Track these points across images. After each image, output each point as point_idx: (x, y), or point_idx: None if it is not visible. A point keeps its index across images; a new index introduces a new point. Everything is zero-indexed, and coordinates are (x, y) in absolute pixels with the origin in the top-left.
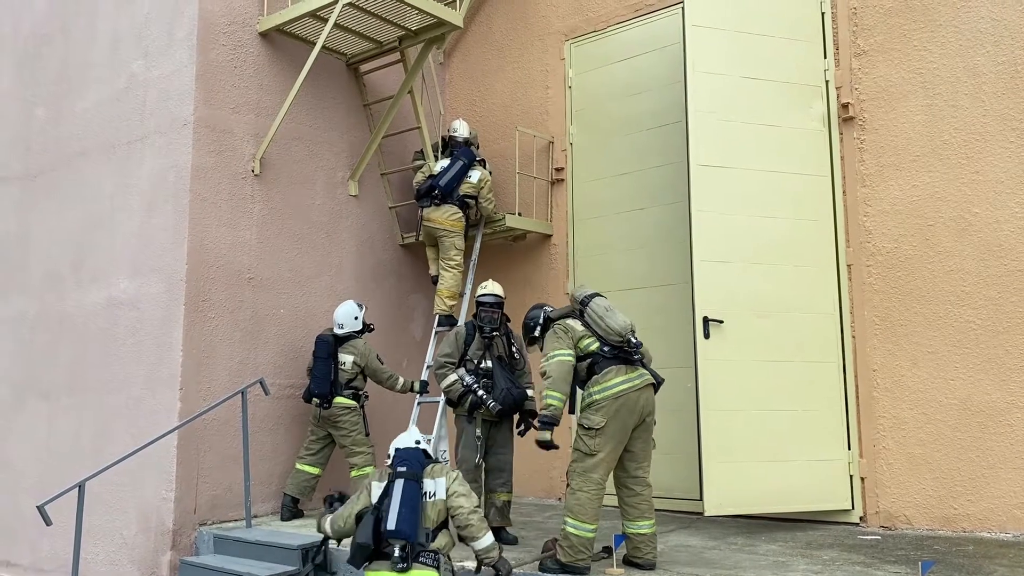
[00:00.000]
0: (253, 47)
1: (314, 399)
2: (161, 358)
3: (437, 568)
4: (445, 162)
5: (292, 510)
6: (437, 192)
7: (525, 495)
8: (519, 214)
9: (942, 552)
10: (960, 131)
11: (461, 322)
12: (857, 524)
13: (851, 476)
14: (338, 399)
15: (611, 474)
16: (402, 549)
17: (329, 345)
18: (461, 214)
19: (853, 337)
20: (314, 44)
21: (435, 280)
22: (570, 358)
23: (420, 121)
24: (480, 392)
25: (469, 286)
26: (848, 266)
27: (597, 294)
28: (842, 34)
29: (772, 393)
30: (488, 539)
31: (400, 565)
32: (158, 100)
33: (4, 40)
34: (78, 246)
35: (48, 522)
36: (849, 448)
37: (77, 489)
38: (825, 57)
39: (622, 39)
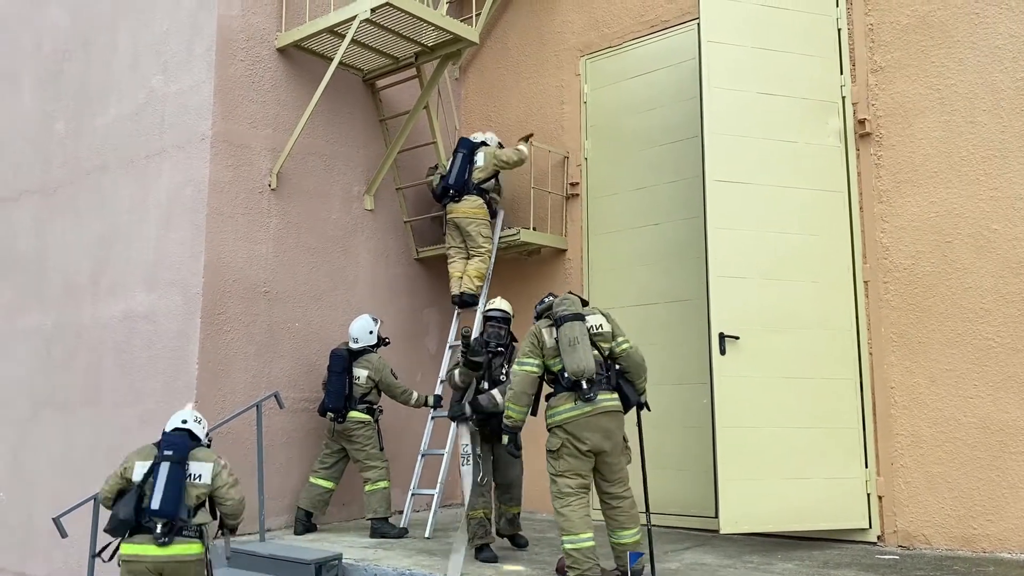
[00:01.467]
0: (271, 63)
1: (328, 413)
2: (177, 371)
3: (201, 539)
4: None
5: (306, 524)
6: (452, 191)
7: (539, 511)
8: (534, 229)
9: (962, 573)
10: (978, 147)
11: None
12: (875, 543)
13: (868, 494)
14: (352, 413)
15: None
16: (164, 526)
17: (344, 360)
18: (482, 201)
19: (870, 354)
20: (331, 60)
21: (456, 299)
22: (535, 369)
23: (436, 136)
24: (464, 402)
25: (484, 299)
26: (865, 282)
27: (575, 316)
28: (858, 50)
29: (789, 410)
30: (242, 517)
31: (162, 540)
32: (176, 115)
33: (26, 56)
34: (96, 259)
35: (63, 534)
36: (866, 466)
37: (92, 501)
38: (841, 73)
39: (637, 55)
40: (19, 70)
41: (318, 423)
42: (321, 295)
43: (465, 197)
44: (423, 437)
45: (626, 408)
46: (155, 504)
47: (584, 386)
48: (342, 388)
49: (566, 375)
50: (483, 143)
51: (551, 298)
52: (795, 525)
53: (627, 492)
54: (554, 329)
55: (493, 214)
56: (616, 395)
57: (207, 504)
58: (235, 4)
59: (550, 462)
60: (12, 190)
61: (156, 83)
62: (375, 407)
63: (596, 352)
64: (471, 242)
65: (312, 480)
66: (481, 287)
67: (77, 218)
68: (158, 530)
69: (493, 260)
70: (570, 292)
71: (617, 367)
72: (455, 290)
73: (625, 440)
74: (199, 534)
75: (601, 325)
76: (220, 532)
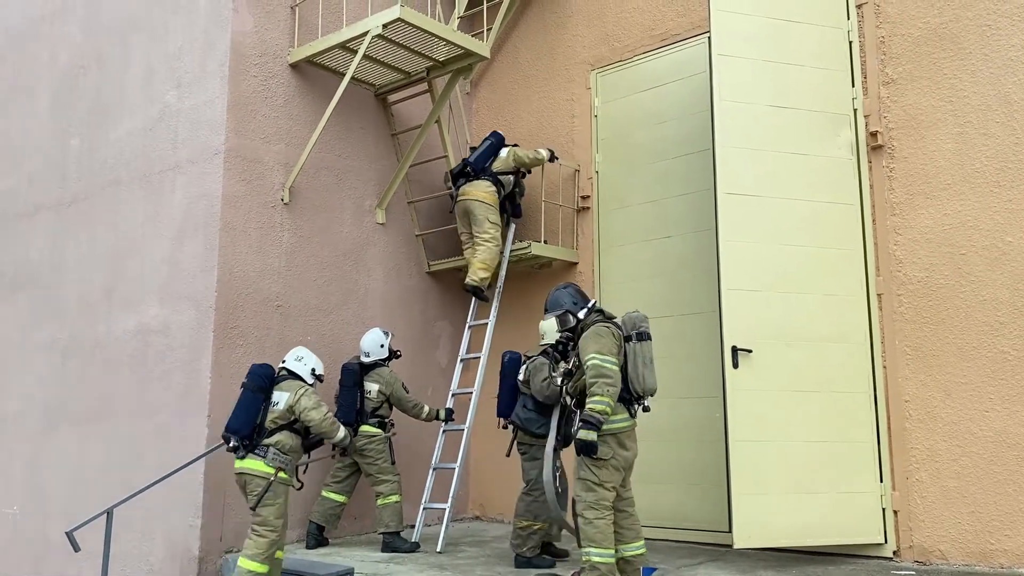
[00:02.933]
0: (283, 78)
1: (226, 437)
2: (190, 385)
3: (264, 458)
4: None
5: (317, 538)
6: (469, 168)
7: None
8: (545, 242)
9: None
10: (992, 159)
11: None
12: (891, 559)
13: (884, 509)
14: (364, 427)
15: None
16: (239, 441)
17: (355, 374)
18: (495, 188)
19: (884, 367)
20: (343, 75)
21: (469, 288)
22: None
23: (447, 150)
24: None
25: (493, 316)
26: (879, 295)
27: (644, 335)
28: (870, 63)
29: (802, 424)
30: (340, 434)
31: (240, 454)
32: (190, 130)
33: (42, 71)
34: (110, 273)
35: (76, 548)
36: (881, 480)
37: (105, 515)
38: (853, 85)
39: (648, 68)
40: (35, 85)
41: None
42: (333, 308)
43: (479, 180)
44: (435, 451)
45: None
46: (229, 423)
47: (646, 403)
48: (354, 402)
49: (633, 387)
50: (513, 145)
51: (568, 288)
52: (809, 540)
53: (630, 516)
54: (624, 341)
55: (504, 211)
56: None
57: (293, 430)
58: (248, 20)
59: (593, 471)
60: (28, 204)
61: (170, 98)
62: (387, 421)
63: None
64: (477, 227)
65: (324, 494)
66: (487, 279)
67: (92, 232)
68: (230, 444)
69: (507, 247)
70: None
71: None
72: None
73: None
74: (265, 454)
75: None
76: (332, 454)
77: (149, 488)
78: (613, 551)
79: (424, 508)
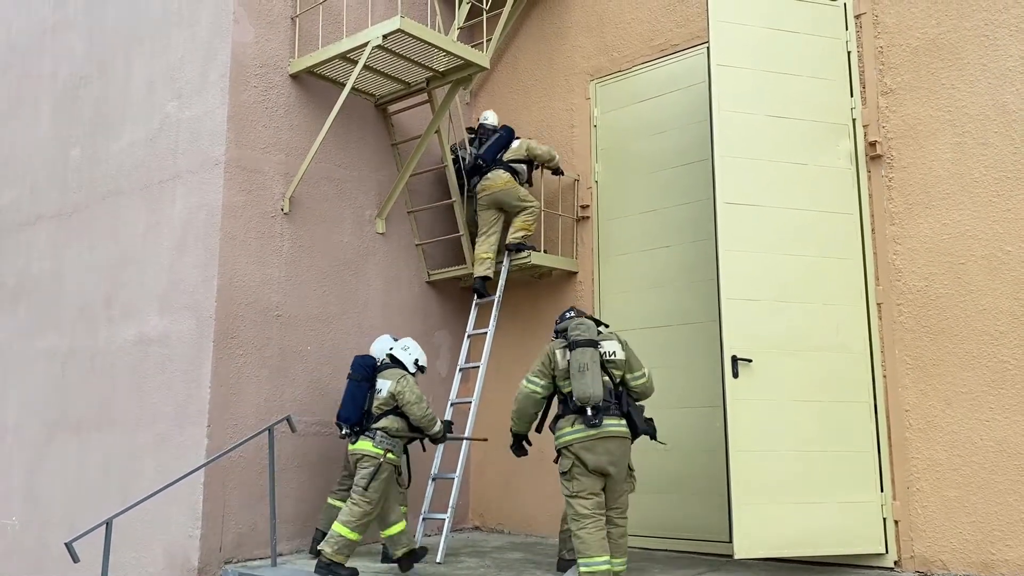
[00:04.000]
0: (284, 88)
1: (341, 427)
2: (189, 395)
3: (373, 440)
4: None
5: None
6: (481, 161)
7: (552, 535)
8: (545, 251)
9: None
10: (991, 168)
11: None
12: (892, 569)
13: (884, 519)
14: (362, 442)
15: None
16: (350, 428)
17: (369, 369)
18: (511, 176)
19: (884, 376)
20: (344, 85)
21: (475, 285)
22: (540, 390)
23: (447, 160)
24: None
25: (493, 325)
26: (878, 304)
27: (588, 342)
28: (868, 73)
29: (803, 433)
30: (436, 428)
31: (350, 439)
32: (190, 140)
33: (43, 82)
34: (110, 283)
35: (75, 559)
36: (882, 490)
37: (105, 526)
38: (852, 95)
39: (647, 78)
40: (37, 96)
41: (330, 447)
42: (333, 319)
43: (494, 171)
44: (434, 460)
45: (634, 435)
46: (340, 412)
47: (589, 412)
48: (362, 397)
49: (574, 399)
50: (520, 139)
51: (571, 313)
52: (810, 550)
53: (623, 521)
54: (567, 351)
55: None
56: (624, 421)
57: (398, 414)
58: (249, 31)
59: (564, 484)
60: (29, 214)
61: (171, 109)
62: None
63: (608, 378)
64: (513, 208)
65: (330, 501)
66: (524, 237)
67: (92, 242)
68: (342, 432)
69: (497, 307)
70: (585, 315)
71: (631, 395)
72: (477, 273)
73: (630, 468)
74: (373, 436)
75: (615, 352)
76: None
77: (149, 498)
78: (603, 558)
79: (424, 518)
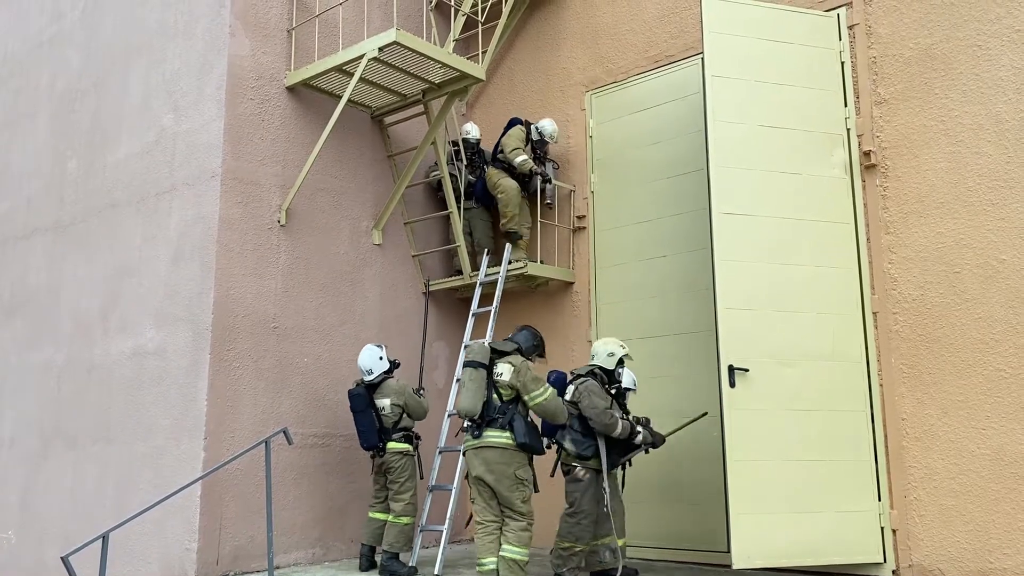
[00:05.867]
0: (280, 101)
1: (368, 451)
2: (186, 407)
3: (509, 429)
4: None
5: (370, 559)
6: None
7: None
8: (541, 262)
9: None
10: (985, 178)
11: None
12: None
13: (882, 528)
14: (391, 444)
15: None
16: (471, 423)
17: (363, 397)
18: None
19: (881, 385)
20: (340, 97)
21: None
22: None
23: (443, 171)
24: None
25: (490, 336)
26: (874, 313)
27: (471, 363)
28: (862, 83)
29: (800, 443)
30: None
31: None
32: (187, 153)
33: (40, 95)
34: (107, 296)
35: (72, 574)
36: (879, 499)
37: (101, 540)
38: (846, 105)
39: (642, 89)
40: (34, 109)
41: (328, 459)
42: (330, 330)
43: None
44: (432, 471)
45: (527, 448)
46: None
47: (466, 424)
48: (372, 424)
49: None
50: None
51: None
52: (809, 559)
53: (510, 522)
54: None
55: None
56: (507, 433)
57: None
58: (245, 44)
59: None
60: (25, 227)
61: (167, 122)
62: (411, 433)
63: (496, 395)
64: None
65: (370, 515)
66: (507, 222)
67: (88, 255)
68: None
69: (494, 317)
70: (512, 336)
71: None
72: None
73: (518, 476)
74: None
75: (502, 374)
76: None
77: (146, 511)
78: (490, 559)
79: (421, 530)
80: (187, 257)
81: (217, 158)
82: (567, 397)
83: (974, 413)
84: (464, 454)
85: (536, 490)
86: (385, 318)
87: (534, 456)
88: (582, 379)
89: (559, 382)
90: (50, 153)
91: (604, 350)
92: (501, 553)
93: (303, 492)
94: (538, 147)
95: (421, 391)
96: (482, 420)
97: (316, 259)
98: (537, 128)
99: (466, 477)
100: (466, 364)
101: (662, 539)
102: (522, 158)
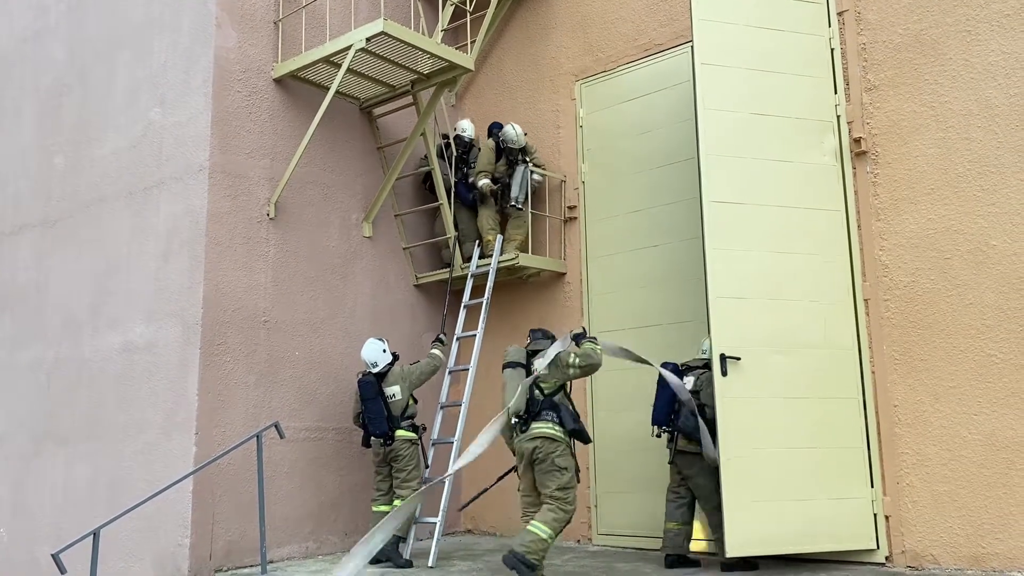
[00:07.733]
0: (268, 93)
1: (374, 440)
2: (177, 403)
3: (557, 422)
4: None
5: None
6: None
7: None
8: (532, 253)
9: None
10: (975, 163)
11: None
12: (883, 564)
13: (875, 515)
14: (399, 432)
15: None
16: (518, 418)
17: (374, 385)
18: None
19: (873, 372)
20: (328, 89)
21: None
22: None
23: (433, 162)
24: None
25: (482, 327)
26: (865, 300)
27: (509, 364)
28: (852, 69)
29: (792, 430)
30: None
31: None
32: (174, 146)
33: (25, 91)
34: (95, 291)
35: (63, 570)
36: (872, 486)
37: (92, 537)
38: (836, 92)
39: (632, 78)
40: (19, 104)
41: (320, 452)
42: (321, 323)
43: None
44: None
45: (576, 435)
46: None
47: (513, 420)
48: (381, 411)
49: None
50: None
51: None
52: (802, 547)
53: (543, 507)
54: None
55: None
56: (553, 423)
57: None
58: (232, 36)
59: None
60: (12, 224)
61: (154, 115)
62: (417, 423)
63: (538, 391)
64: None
65: (375, 508)
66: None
67: (77, 251)
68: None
69: (486, 309)
70: (540, 335)
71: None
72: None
73: (557, 464)
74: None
75: (538, 367)
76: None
77: (137, 507)
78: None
79: (415, 522)
80: (176, 252)
81: (205, 151)
82: (688, 387)
83: (966, 399)
84: (514, 452)
85: (578, 480)
86: (376, 311)
87: (576, 444)
88: (701, 371)
89: (673, 373)
90: (36, 149)
91: (708, 345)
92: (528, 526)
93: (295, 486)
94: (510, 153)
95: (442, 336)
96: (528, 415)
97: (306, 252)
98: (500, 137)
99: (515, 470)
100: (504, 366)
101: (656, 528)
102: (483, 182)
